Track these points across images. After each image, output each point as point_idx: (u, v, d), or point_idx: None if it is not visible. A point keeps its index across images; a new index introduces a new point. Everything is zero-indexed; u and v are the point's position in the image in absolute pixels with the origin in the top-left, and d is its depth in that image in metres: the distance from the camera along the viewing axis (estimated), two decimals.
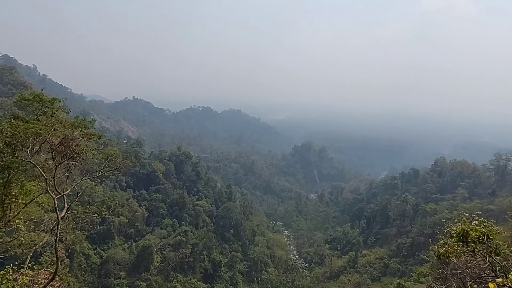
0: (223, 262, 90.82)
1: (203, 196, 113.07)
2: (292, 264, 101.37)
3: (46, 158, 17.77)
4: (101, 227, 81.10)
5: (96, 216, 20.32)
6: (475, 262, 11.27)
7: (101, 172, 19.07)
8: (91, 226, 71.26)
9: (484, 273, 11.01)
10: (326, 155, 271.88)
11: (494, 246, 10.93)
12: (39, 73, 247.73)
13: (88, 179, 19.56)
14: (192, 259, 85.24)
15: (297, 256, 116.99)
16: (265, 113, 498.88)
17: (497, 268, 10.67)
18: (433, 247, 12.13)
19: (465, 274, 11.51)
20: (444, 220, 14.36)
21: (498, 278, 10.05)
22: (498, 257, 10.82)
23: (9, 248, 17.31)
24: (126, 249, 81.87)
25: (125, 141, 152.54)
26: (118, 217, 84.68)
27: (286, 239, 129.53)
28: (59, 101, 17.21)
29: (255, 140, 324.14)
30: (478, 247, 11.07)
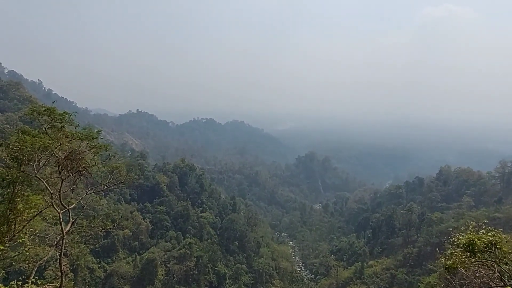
0: (228, 274, 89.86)
1: (207, 208, 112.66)
2: (298, 276, 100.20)
3: (51, 172, 17.84)
4: (106, 241, 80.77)
5: (100, 230, 20.29)
6: (483, 271, 11.12)
7: (106, 185, 19.14)
8: (95, 240, 71.01)
9: (493, 283, 10.85)
10: (330, 165, 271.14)
11: (502, 255, 10.81)
12: (44, 88, 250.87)
13: (93, 193, 19.60)
14: (196, 272, 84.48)
15: (302, 268, 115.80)
16: (268, 124, 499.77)
17: (506, 277, 10.53)
18: (440, 258, 12.00)
19: (474, 284, 11.35)
20: (450, 229, 14.26)
21: (507, 287, 9.90)
22: (507, 266, 10.69)
23: (14, 263, 17.27)
24: (131, 263, 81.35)
25: (129, 154, 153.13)
26: (123, 230, 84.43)
27: (291, 250, 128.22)
28: (69, 115, 17.34)
29: (258, 151, 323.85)
30: (486, 257, 10.95)
